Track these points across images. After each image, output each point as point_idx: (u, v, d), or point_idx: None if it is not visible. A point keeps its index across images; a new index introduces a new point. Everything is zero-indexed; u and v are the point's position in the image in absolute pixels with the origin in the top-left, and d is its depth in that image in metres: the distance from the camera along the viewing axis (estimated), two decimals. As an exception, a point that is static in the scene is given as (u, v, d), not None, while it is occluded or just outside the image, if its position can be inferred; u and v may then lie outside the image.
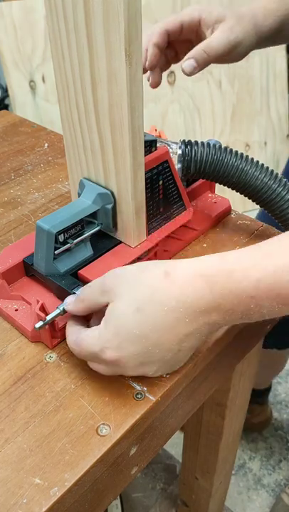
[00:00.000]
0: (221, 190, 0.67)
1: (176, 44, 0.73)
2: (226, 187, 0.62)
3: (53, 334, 0.52)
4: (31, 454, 0.43)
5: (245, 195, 0.61)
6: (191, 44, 0.71)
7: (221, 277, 0.40)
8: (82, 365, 0.50)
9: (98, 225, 0.56)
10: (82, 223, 0.54)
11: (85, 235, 0.55)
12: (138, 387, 0.48)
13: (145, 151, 0.52)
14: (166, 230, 0.61)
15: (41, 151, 0.90)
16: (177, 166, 0.60)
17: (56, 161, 0.86)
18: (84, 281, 0.52)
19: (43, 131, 0.96)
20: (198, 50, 0.67)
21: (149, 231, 0.60)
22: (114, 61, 0.44)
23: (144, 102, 0.48)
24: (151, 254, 0.60)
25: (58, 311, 0.50)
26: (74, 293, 0.51)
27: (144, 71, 0.72)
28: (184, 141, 0.61)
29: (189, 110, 1.85)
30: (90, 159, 0.55)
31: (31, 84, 1.74)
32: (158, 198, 0.60)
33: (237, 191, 0.61)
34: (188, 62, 0.68)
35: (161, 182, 0.59)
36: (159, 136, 0.66)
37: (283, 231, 0.50)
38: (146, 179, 0.55)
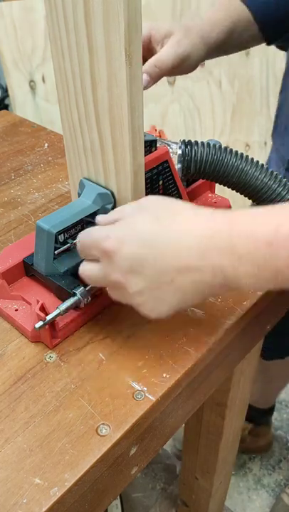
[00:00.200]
0: (221, 190, 0.67)
1: None
2: (226, 187, 0.62)
3: (53, 334, 0.52)
4: (31, 454, 0.43)
5: (245, 195, 0.61)
6: (144, 60, 0.73)
7: (243, 217, 0.41)
8: (83, 365, 0.50)
9: (98, 225, 0.56)
10: (82, 223, 0.54)
11: (85, 235, 0.55)
12: (138, 387, 0.48)
13: (145, 151, 0.52)
14: (166, 230, 0.61)
15: (41, 151, 0.90)
16: (177, 166, 0.60)
17: (56, 161, 0.86)
18: (84, 282, 0.52)
19: (43, 131, 0.96)
20: (150, 64, 0.69)
21: (149, 231, 0.59)
22: (114, 61, 0.44)
23: (144, 102, 0.48)
24: (151, 254, 0.60)
25: (58, 311, 0.50)
26: (74, 293, 0.51)
27: None
28: (184, 141, 0.61)
29: (189, 110, 1.85)
30: (90, 159, 0.55)
31: (31, 84, 1.74)
32: (158, 198, 0.60)
33: (237, 191, 0.61)
34: None
35: (161, 182, 0.59)
36: (159, 136, 0.66)
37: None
38: (146, 179, 0.55)
